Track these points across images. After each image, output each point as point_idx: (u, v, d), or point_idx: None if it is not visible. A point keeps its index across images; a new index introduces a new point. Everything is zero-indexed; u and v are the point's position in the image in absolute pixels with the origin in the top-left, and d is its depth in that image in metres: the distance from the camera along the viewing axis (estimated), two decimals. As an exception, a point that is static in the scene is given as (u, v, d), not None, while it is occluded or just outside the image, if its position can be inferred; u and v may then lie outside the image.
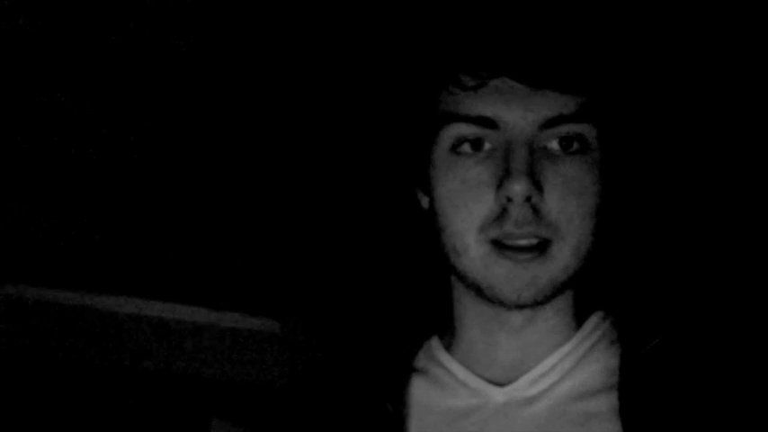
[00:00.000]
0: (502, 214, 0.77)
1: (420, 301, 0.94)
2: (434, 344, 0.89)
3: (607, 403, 0.77)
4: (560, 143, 0.77)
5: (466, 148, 0.79)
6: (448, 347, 0.87)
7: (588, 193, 0.77)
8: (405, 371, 0.87)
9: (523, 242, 0.76)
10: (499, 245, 0.77)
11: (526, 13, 0.78)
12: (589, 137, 0.78)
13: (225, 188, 1.86)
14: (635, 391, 0.75)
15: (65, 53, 1.52)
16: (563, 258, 0.77)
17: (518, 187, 0.74)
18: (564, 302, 0.84)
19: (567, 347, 0.82)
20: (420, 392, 0.85)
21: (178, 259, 2.06)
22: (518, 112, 0.76)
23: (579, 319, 0.85)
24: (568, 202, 0.76)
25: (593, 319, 0.85)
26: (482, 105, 0.77)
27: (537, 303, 0.79)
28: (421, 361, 0.89)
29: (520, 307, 0.79)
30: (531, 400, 0.80)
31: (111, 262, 2.06)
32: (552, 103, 0.76)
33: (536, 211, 0.76)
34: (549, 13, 0.79)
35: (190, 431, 2.02)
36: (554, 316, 0.83)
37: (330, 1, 1.30)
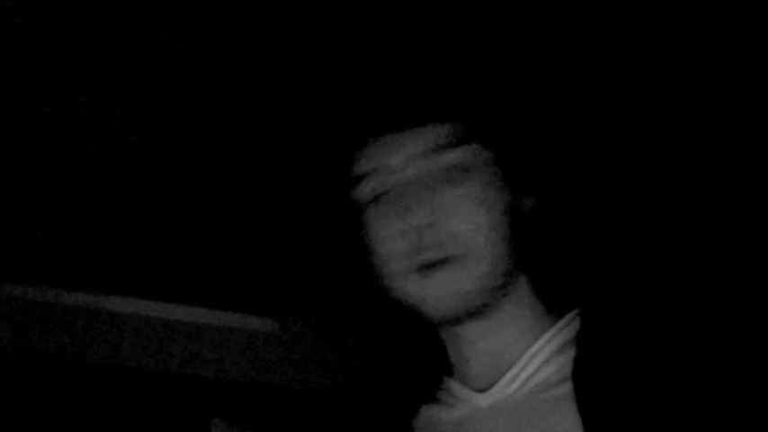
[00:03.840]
0: (411, 246, 0.84)
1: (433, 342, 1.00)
2: (445, 377, 0.96)
3: (568, 390, 0.83)
4: (445, 172, 0.85)
5: (381, 198, 0.86)
6: (451, 375, 0.95)
7: (485, 209, 0.84)
8: (419, 404, 0.96)
9: (430, 259, 0.84)
10: (418, 270, 0.84)
11: (376, 85, 0.89)
12: (469, 161, 0.85)
13: (225, 188, 1.87)
14: (586, 377, 0.82)
15: (65, 53, 1.52)
16: (475, 269, 0.84)
17: (409, 221, 0.83)
18: (521, 308, 0.90)
19: (535, 347, 0.89)
20: (426, 413, 0.94)
21: (178, 259, 2.06)
22: (398, 155, 0.85)
23: (557, 317, 0.91)
24: (463, 222, 0.83)
25: (566, 318, 0.91)
26: (374, 159, 0.86)
27: (471, 313, 0.86)
28: (435, 392, 0.97)
29: (457, 320, 0.86)
30: (508, 398, 0.87)
31: (110, 262, 2.06)
32: (422, 139, 0.85)
33: (436, 234, 0.83)
34: (394, 78, 0.89)
35: (190, 431, 2.02)
36: (512, 321, 0.89)
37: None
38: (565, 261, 0.96)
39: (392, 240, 0.85)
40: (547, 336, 0.89)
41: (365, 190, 0.87)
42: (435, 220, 0.83)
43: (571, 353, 0.86)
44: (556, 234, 0.95)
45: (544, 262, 0.92)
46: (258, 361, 2.18)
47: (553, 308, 0.93)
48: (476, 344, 0.89)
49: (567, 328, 0.90)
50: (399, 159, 0.84)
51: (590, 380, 0.82)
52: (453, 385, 0.92)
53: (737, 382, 0.80)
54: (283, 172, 1.79)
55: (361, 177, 0.86)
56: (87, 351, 2.12)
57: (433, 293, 0.84)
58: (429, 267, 0.84)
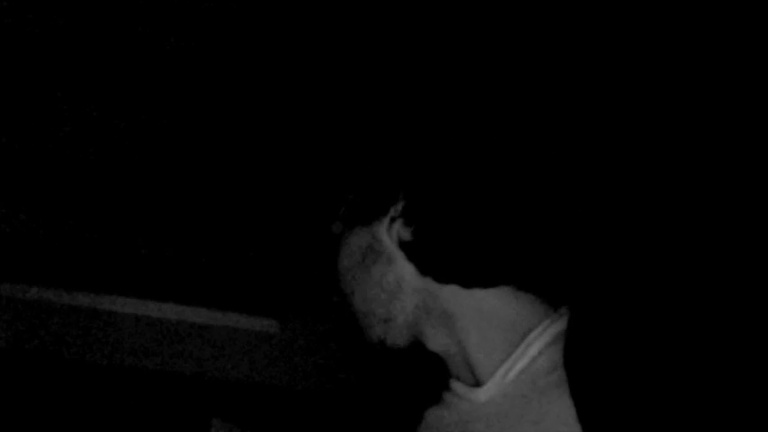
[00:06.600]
0: None
1: None
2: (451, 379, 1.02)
3: (560, 377, 0.88)
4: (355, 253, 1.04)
5: None
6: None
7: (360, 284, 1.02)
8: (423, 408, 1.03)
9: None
10: None
11: None
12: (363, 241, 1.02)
13: (225, 188, 1.87)
14: (577, 363, 0.87)
15: (65, 53, 1.53)
16: (374, 331, 1.01)
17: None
18: (487, 311, 0.95)
19: (528, 339, 0.93)
20: (432, 414, 1.00)
21: (178, 259, 2.06)
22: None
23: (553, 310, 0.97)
24: (356, 297, 1.03)
25: (559, 312, 0.96)
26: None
27: (413, 343, 0.99)
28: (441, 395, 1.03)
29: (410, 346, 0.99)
30: (505, 391, 0.92)
31: (110, 262, 2.06)
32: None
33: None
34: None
35: (190, 431, 2.02)
36: (483, 321, 0.95)
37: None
38: (553, 255, 0.99)
39: None
40: (540, 328, 0.93)
41: None
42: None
43: (561, 344, 0.91)
44: (542, 232, 0.98)
45: (532, 261, 0.96)
46: (258, 361, 2.18)
47: (550, 301, 0.97)
48: (457, 343, 0.96)
49: (560, 320, 0.94)
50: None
51: (581, 366, 0.87)
52: (455, 385, 0.97)
53: (729, 372, 0.84)
54: (284, 173, 1.79)
55: None
56: (87, 351, 2.12)
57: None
58: None
